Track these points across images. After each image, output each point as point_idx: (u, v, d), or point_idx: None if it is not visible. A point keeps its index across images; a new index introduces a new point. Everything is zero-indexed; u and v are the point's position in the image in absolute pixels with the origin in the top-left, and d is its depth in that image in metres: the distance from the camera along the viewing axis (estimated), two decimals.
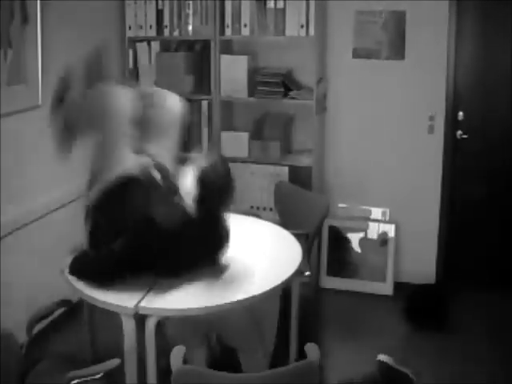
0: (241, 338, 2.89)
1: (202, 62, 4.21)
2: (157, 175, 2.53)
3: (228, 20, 4.04)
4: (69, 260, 2.66)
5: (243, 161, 4.19)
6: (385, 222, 4.28)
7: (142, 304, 2.38)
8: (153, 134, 2.70)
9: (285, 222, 3.31)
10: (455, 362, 3.37)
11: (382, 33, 4.09)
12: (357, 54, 4.17)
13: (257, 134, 4.24)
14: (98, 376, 2.12)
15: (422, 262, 4.26)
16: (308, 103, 4.02)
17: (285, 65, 4.23)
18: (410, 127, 4.18)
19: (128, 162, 2.55)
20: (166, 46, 4.28)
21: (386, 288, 4.23)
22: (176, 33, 4.15)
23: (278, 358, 2.95)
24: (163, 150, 2.67)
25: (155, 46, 4.21)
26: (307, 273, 3.07)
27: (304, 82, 4.20)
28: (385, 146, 4.25)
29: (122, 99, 2.71)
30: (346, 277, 4.30)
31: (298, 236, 3.01)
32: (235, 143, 4.17)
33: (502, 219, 4.17)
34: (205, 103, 4.20)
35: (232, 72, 4.10)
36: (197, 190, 2.46)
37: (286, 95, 4.08)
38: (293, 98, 4.07)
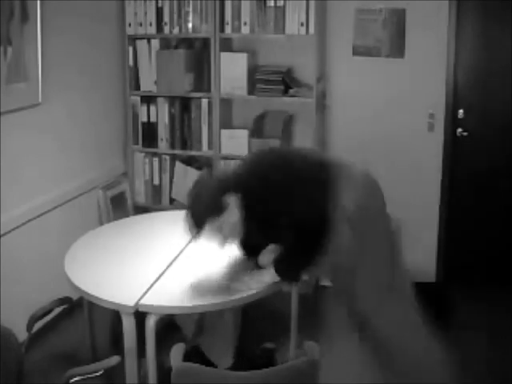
0: (213, 334, 2.92)
1: (201, 59, 4.21)
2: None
3: (228, 18, 4.04)
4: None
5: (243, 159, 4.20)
6: None
7: (142, 302, 2.39)
8: None
9: None
10: (455, 360, 3.37)
11: (382, 31, 4.09)
12: (357, 51, 4.16)
13: (257, 132, 4.24)
14: (99, 373, 2.12)
15: (421, 261, 4.25)
16: (308, 101, 4.01)
17: (285, 63, 4.23)
18: (410, 125, 4.17)
19: None
20: (165, 44, 4.28)
21: None
22: (176, 30, 4.14)
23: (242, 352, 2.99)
24: None
25: (155, 43, 4.20)
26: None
27: (304, 80, 4.20)
28: (384, 144, 4.24)
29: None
30: None
31: None
32: (235, 141, 4.17)
33: (503, 217, 4.17)
34: (204, 101, 4.20)
35: (232, 70, 4.10)
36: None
37: (285, 93, 4.08)
38: (293, 96, 4.07)
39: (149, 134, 4.34)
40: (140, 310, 2.37)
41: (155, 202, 4.41)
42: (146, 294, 2.44)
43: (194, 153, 4.31)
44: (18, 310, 2.86)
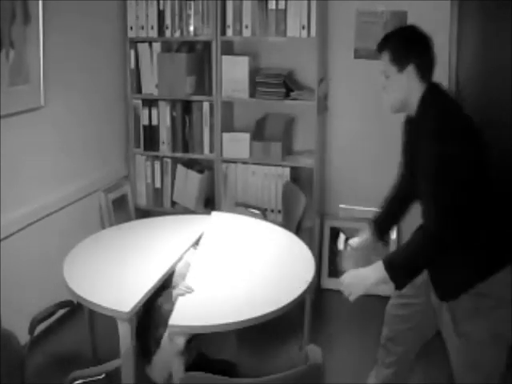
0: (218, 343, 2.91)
1: (203, 62, 4.21)
2: None
3: (229, 21, 4.04)
4: None
5: (244, 162, 4.20)
6: None
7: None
8: None
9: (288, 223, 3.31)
10: None
11: (383, 33, 4.04)
12: (358, 54, 4.17)
13: (258, 135, 4.24)
14: (101, 376, 2.12)
15: None
16: (309, 104, 4.02)
17: (286, 65, 4.23)
18: None
19: None
20: (167, 47, 4.29)
21: (387, 289, 4.21)
22: (177, 33, 4.15)
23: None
24: None
25: (156, 46, 4.21)
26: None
27: (305, 83, 4.20)
28: (386, 147, 4.23)
29: None
30: None
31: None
32: (236, 144, 4.17)
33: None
34: (206, 104, 4.20)
35: (233, 73, 4.10)
36: None
37: (287, 96, 4.08)
38: (294, 99, 4.07)
39: (150, 137, 4.34)
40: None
41: (156, 204, 4.41)
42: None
43: (195, 156, 4.31)
44: (19, 313, 2.86)
